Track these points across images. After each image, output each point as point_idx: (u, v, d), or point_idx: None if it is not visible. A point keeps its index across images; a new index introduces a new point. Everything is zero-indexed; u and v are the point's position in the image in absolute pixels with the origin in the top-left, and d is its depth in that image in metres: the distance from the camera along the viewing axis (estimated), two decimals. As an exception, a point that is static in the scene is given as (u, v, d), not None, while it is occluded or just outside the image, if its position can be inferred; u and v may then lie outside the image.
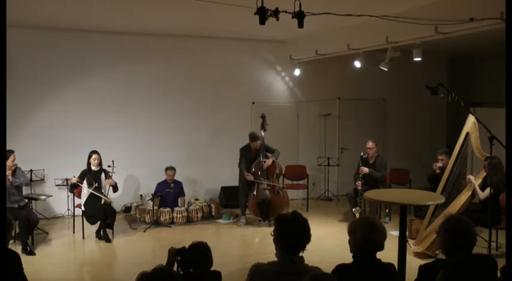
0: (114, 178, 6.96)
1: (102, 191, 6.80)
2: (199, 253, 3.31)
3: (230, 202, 8.17)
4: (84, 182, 6.75)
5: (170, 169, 7.80)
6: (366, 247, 2.83)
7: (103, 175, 6.89)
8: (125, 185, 8.19)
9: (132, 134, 8.32)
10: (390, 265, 2.92)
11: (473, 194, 5.94)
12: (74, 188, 6.85)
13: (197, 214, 7.75)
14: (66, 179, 7.40)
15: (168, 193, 7.65)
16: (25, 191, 6.94)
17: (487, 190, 5.63)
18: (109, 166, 6.95)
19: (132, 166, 8.26)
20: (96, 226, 6.74)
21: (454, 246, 2.88)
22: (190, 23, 7.40)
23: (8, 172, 6.18)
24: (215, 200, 8.42)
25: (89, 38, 7.97)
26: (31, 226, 6.22)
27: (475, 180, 5.87)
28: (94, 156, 6.82)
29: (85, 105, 8.02)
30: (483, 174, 5.90)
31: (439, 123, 10.63)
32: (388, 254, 3.12)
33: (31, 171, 7.33)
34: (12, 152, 6.29)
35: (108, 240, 6.62)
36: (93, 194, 6.69)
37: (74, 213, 7.30)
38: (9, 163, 6.23)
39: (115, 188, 6.99)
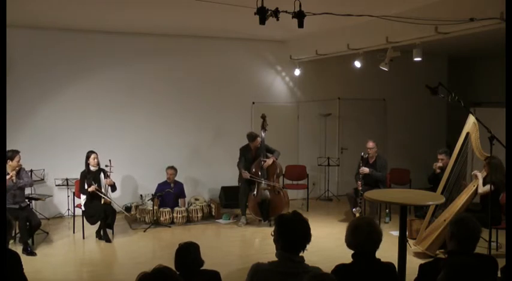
0: (113, 178, 6.96)
1: (103, 191, 6.80)
2: (186, 255, 3.29)
3: (230, 201, 8.17)
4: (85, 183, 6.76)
5: (170, 169, 7.81)
6: (365, 246, 2.83)
7: (102, 175, 6.89)
8: (125, 185, 8.20)
9: (132, 134, 8.32)
10: (390, 264, 2.92)
11: (474, 194, 5.94)
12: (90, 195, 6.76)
13: (197, 214, 7.75)
14: (67, 179, 7.42)
15: (168, 193, 7.65)
16: (26, 191, 6.92)
17: (488, 186, 5.63)
18: (107, 166, 6.95)
19: (133, 166, 8.26)
20: (96, 226, 6.74)
21: (459, 245, 2.91)
22: (190, 23, 7.40)
23: (13, 173, 6.16)
24: (215, 200, 8.42)
25: (89, 38, 7.96)
26: (33, 229, 6.20)
27: (480, 175, 5.86)
28: (93, 156, 6.81)
29: (85, 105, 8.02)
30: (484, 174, 5.89)
31: (439, 123, 10.63)
32: (388, 254, 3.12)
33: (31, 171, 7.32)
34: (17, 152, 6.26)
35: (108, 240, 6.62)
36: (94, 194, 6.68)
37: (74, 213, 7.31)
38: (14, 163, 6.20)
39: (113, 188, 6.97)
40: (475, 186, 5.89)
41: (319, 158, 9.36)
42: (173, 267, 2.96)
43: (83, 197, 6.79)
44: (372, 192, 5.44)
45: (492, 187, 5.50)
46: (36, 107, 7.78)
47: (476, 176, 5.93)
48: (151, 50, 8.36)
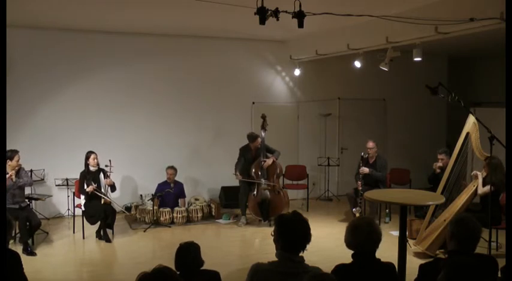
0: (113, 178, 6.96)
1: (102, 191, 6.80)
2: (186, 255, 3.29)
3: (230, 202, 8.17)
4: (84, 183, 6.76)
5: (170, 168, 7.81)
6: (364, 246, 2.83)
7: (101, 175, 6.89)
8: (125, 185, 8.20)
9: (132, 134, 8.32)
10: (390, 264, 2.92)
11: (474, 194, 5.93)
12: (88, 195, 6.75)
13: (197, 214, 7.75)
14: (67, 179, 7.41)
15: (168, 193, 7.65)
16: (25, 191, 6.92)
17: (487, 186, 5.63)
18: (106, 166, 6.95)
19: (133, 166, 8.26)
20: (96, 226, 6.74)
21: (459, 245, 2.91)
22: (190, 23, 7.40)
23: (12, 172, 6.16)
24: (215, 200, 8.42)
25: (89, 38, 7.96)
26: (33, 229, 6.19)
27: (480, 176, 5.86)
28: (92, 156, 6.81)
29: (85, 105, 8.02)
30: (484, 174, 5.89)
31: (439, 123, 10.63)
32: (388, 254, 3.12)
33: (31, 171, 7.32)
34: (17, 152, 6.26)
35: (108, 240, 6.62)
36: (93, 194, 6.68)
37: (74, 213, 7.31)
38: (13, 163, 6.20)
39: (113, 188, 6.97)
40: (475, 186, 5.89)
41: (319, 158, 9.37)
42: (173, 267, 2.96)
43: (83, 197, 6.79)
44: (372, 192, 5.43)
45: (492, 187, 5.51)
46: (36, 107, 7.77)
47: (476, 176, 5.93)
48: (151, 50, 8.36)
